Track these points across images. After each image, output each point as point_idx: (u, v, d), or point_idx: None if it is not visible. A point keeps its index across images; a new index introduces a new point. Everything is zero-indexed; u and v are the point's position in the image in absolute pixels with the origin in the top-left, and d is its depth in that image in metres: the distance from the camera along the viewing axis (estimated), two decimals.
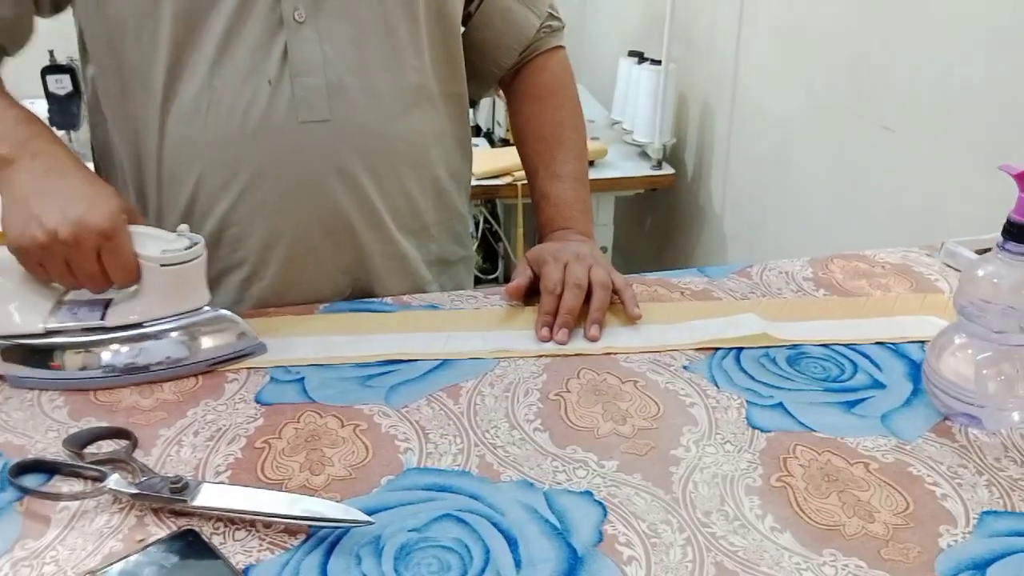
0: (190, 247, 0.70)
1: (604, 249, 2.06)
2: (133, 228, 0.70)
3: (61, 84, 1.81)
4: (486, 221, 2.23)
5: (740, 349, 0.78)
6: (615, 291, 0.84)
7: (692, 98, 2.09)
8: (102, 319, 0.71)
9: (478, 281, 2.17)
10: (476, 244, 2.20)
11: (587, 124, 2.19)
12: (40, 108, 2.03)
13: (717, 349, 0.78)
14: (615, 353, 0.77)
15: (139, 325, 0.71)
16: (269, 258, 0.86)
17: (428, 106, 0.91)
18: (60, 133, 1.93)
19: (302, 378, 0.72)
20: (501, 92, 1.11)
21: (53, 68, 1.82)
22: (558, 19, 1.05)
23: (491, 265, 2.39)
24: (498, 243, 2.35)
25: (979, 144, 1.19)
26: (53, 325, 0.70)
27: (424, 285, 0.96)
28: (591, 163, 2.00)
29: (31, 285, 0.71)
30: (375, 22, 0.84)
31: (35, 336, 0.69)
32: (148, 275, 0.70)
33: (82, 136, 1.94)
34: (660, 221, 2.35)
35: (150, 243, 0.70)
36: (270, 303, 0.88)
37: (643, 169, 2.01)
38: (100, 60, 0.84)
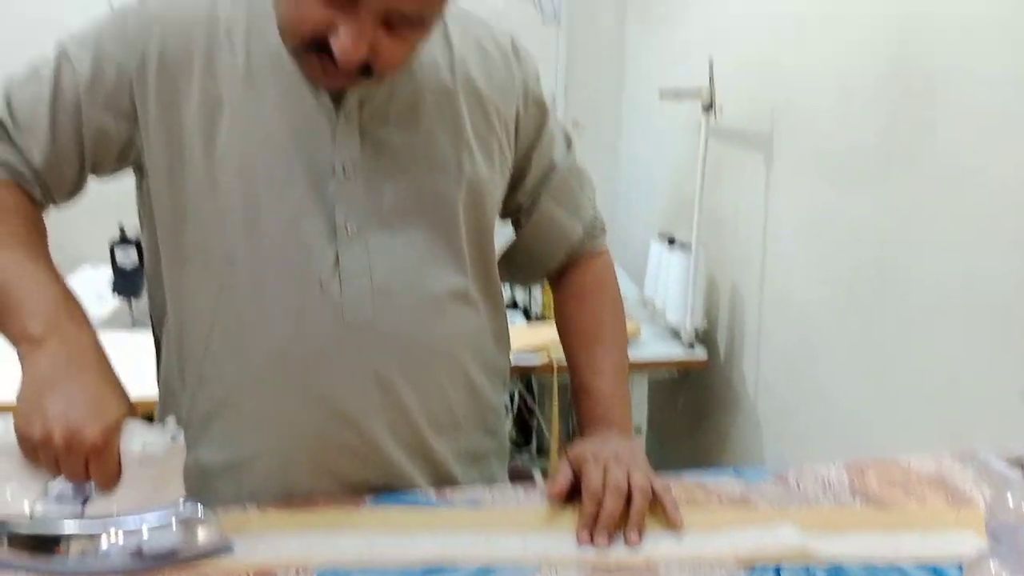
0: (171, 440, 0.74)
1: (638, 429, 2.08)
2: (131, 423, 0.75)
3: (128, 257, 1.93)
4: (521, 397, 2.26)
5: (780, 566, 0.78)
6: (655, 495, 0.86)
7: (722, 281, 2.16)
8: (82, 508, 0.74)
9: (512, 452, 2.17)
10: (511, 418, 2.22)
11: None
12: (105, 275, 2.16)
13: (755, 566, 0.78)
14: (654, 562, 0.78)
15: (114, 516, 0.74)
16: (296, 447, 0.90)
17: (467, 307, 0.97)
18: (120, 301, 2.04)
19: None
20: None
21: (122, 241, 1.95)
22: (601, 225, 1.13)
23: (524, 439, 2.40)
24: (532, 418, 2.37)
25: (1007, 343, 1.22)
26: (39, 509, 0.74)
27: (452, 480, 0.98)
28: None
29: (27, 466, 0.75)
30: (419, 235, 0.92)
31: (22, 520, 0.73)
32: (128, 469, 0.74)
33: (143, 305, 2.04)
34: (694, 403, 2.37)
35: (135, 438, 0.74)
36: (295, 491, 0.90)
37: (676, 350, 2.05)
38: (164, 231, 0.90)
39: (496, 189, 0.99)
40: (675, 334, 2.09)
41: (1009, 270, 1.21)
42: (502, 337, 1.07)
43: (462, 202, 0.94)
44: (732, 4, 2.11)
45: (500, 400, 1.09)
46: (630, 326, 2.02)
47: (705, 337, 2.20)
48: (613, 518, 0.82)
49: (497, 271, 1.04)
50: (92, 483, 0.75)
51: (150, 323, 1.00)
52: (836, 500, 0.91)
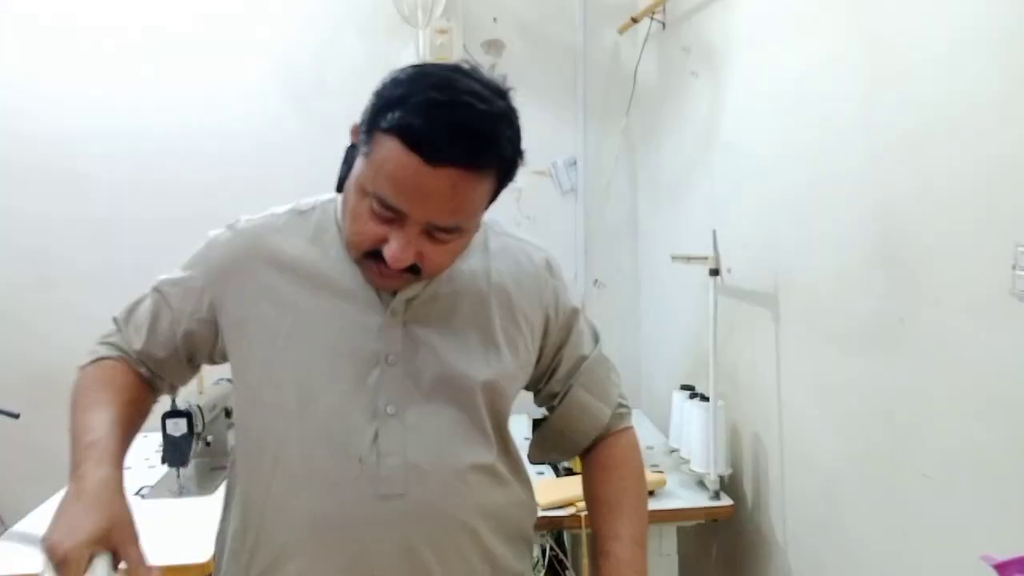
0: None
1: None
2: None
3: (178, 427, 2.07)
4: (552, 549, 2.30)
5: None
6: None
7: (744, 431, 2.23)
8: None
9: None
10: (543, 572, 2.26)
11: (646, 451, 2.35)
12: (155, 442, 2.30)
13: None
14: None
15: None
16: None
17: (491, 480, 1.10)
18: (168, 469, 2.17)
19: None
20: None
21: (173, 413, 2.09)
22: (626, 406, 1.26)
23: None
24: (564, 570, 2.39)
25: (1012, 501, 1.28)
26: None
27: None
28: (651, 493, 2.11)
29: None
30: (451, 416, 1.06)
31: None
32: None
33: (190, 471, 2.17)
34: (725, 551, 2.38)
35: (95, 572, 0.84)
36: None
37: (702, 499, 2.10)
38: (240, 421, 1.10)
39: (517, 380, 1.14)
40: (701, 483, 2.14)
41: (1004, 436, 1.29)
42: (526, 507, 1.18)
43: (483, 390, 1.08)
44: (723, 183, 2.31)
45: (524, 566, 1.18)
46: (657, 477, 2.10)
47: (731, 485, 2.25)
48: None
49: (516, 448, 1.17)
50: None
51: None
52: None
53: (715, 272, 2.07)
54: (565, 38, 3.02)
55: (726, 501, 2.10)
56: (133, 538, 0.88)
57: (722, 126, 2.33)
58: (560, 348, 1.19)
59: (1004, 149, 1.26)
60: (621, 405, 1.25)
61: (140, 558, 0.87)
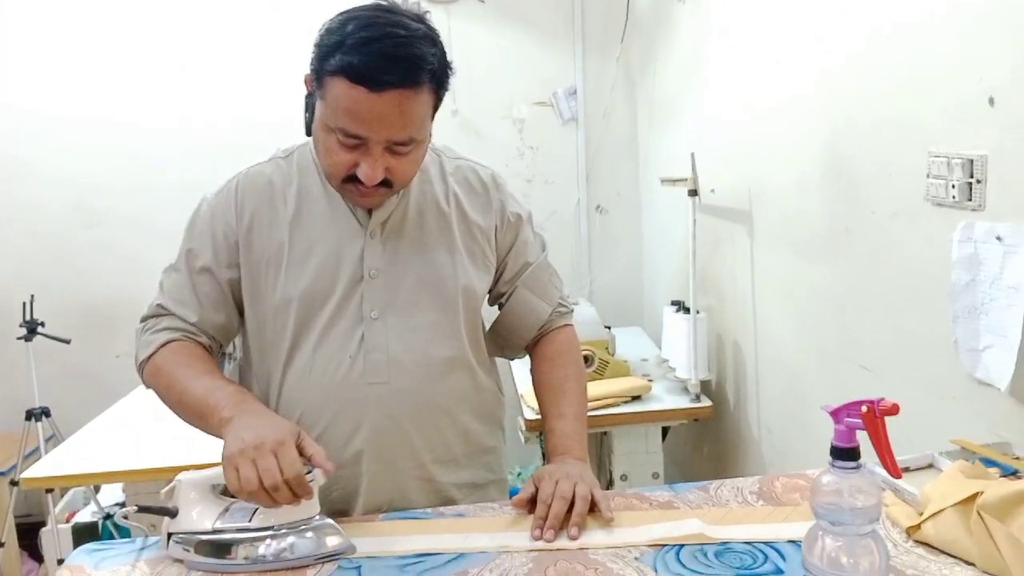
0: (310, 472, 1.04)
1: (656, 475, 2.31)
2: None
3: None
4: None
5: (682, 545, 1.04)
6: (595, 501, 1.13)
7: (726, 340, 2.41)
8: (249, 522, 1.04)
9: None
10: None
11: (640, 363, 2.53)
12: None
13: (664, 545, 1.04)
14: (586, 548, 1.05)
15: (272, 528, 1.03)
16: (336, 475, 1.19)
17: (463, 370, 1.30)
18: None
19: (359, 567, 1.03)
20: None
21: None
22: (565, 306, 1.44)
23: None
24: None
25: (933, 389, 1.44)
26: (218, 525, 1.05)
27: (453, 504, 1.28)
28: (638, 397, 2.31)
29: (209, 498, 1.07)
30: (425, 317, 1.26)
31: (205, 532, 1.04)
32: None
33: None
34: (714, 448, 2.59)
35: None
36: (336, 508, 1.22)
37: (684, 401, 2.29)
38: (251, 336, 1.28)
39: (481, 283, 1.33)
40: (685, 388, 2.33)
41: (923, 326, 1.45)
42: (495, 392, 1.39)
43: (459, 292, 1.28)
44: (708, 107, 2.43)
45: (495, 442, 1.39)
46: (642, 383, 2.30)
47: (717, 389, 2.44)
48: (558, 518, 1.09)
49: (485, 344, 1.37)
50: (253, 508, 1.05)
51: None
52: (743, 502, 1.16)
53: (693, 192, 2.21)
54: None
55: (706, 403, 2.29)
56: (308, 439, 1.09)
57: (704, 52, 2.44)
58: (507, 253, 1.37)
59: (917, 67, 1.39)
60: (561, 305, 1.43)
61: (320, 452, 1.05)
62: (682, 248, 2.77)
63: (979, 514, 0.94)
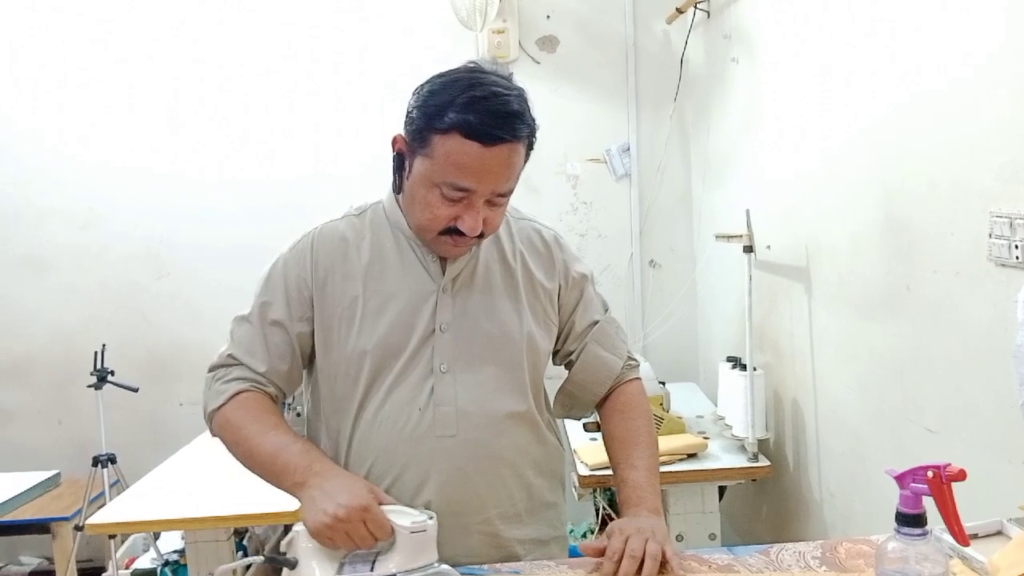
0: (427, 520, 1.07)
1: (712, 536, 2.27)
2: (387, 508, 1.09)
3: None
4: (604, 509, 2.50)
5: None
6: (665, 560, 1.12)
7: (785, 398, 2.37)
8: (371, 571, 1.06)
9: None
10: (597, 527, 2.46)
11: (696, 419, 2.51)
12: None
13: None
14: None
15: (394, 575, 1.05)
16: None
17: (528, 425, 1.32)
18: None
19: None
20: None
21: None
22: (634, 359, 1.46)
23: None
24: None
25: (997, 440, 1.41)
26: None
27: (516, 559, 1.28)
28: (694, 455, 2.28)
29: (324, 551, 1.10)
30: (493, 372, 1.28)
31: None
32: (400, 539, 1.07)
33: None
34: (773, 510, 2.53)
35: (401, 517, 1.08)
36: None
37: (741, 460, 2.26)
38: (322, 387, 1.31)
39: (544, 341, 1.35)
40: (742, 447, 2.30)
41: (987, 388, 1.42)
42: (557, 447, 1.40)
43: (525, 347, 1.31)
44: (763, 164, 2.44)
45: (556, 497, 1.40)
46: (698, 441, 2.28)
47: (775, 448, 2.40)
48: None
49: (547, 400, 1.39)
50: (376, 554, 1.08)
51: None
52: (806, 568, 1.14)
53: (748, 249, 2.21)
54: (616, 30, 3.19)
55: (764, 462, 2.25)
56: (383, 494, 1.16)
57: (758, 110, 2.46)
58: (573, 311, 1.39)
59: (973, 126, 1.39)
60: (630, 358, 1.44)
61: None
62: (737, 304, 2.76)
63: None
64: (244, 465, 1.25)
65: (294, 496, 1.16)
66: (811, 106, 2.07)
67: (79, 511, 2.84)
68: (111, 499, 2.71)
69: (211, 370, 1.31)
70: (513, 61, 3.11)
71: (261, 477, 1.22)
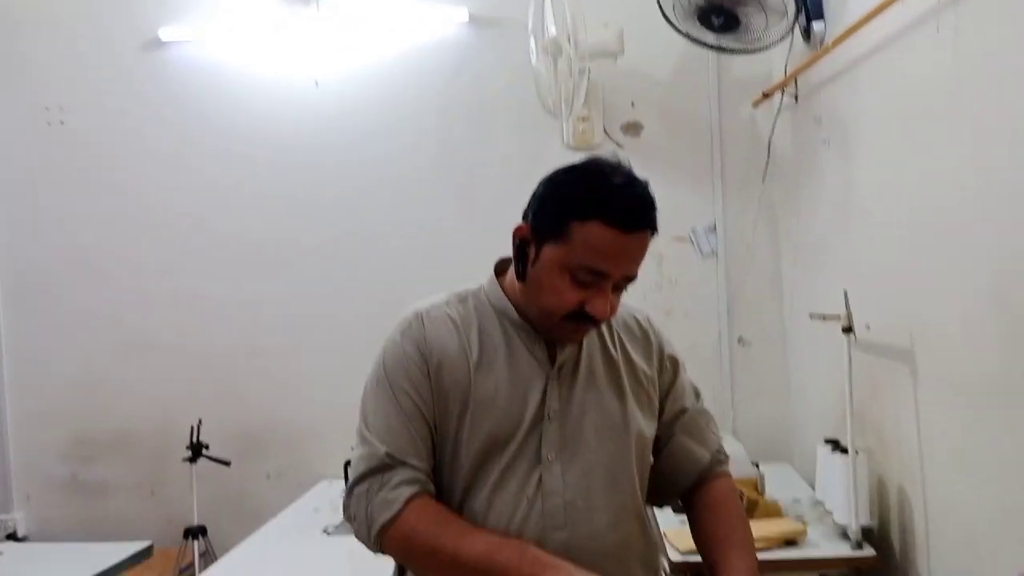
0: None
1: None
2: None
3: None
4: None
5: None
6: None
7: (890, 484, 2.27)
8: None
9: None
10: None
11: (792, 503, 2.43)
12: (339, 487, 2.62)
13: None
14: None
15: None
16: None
17: (635, 518, 1.30)
18: None
19: None
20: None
21: None
22: (724, 453, 1.43)
23: None
24: None
25: None
26: None
27: None
28: (793, 542, 2.20)
29: None
30: (601, 462, 1.27)
31: None
32: None
33: None
34: None
35: None
36: None
37: (844, 549, 2.16)
38: (441, 471, 1.26)
39: (649, 429, 1.34)
40: (844, 534, 2.20)
41: None
42: (657, 540, 1.39)
43: (632, 437, 1.29)
44: (859, 243, 2.41)
45: None
46: (796, 527, 2.20)
47: (879, 536, 2.29)
48: None
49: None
50: None
51: None
52: None
53: (848, 330, 2.17)
54: (700, 113, 3.24)
55: (868, 552, 2.14)
56: None
57: (853, 191, 2.44)
58: (666, 396, 1.37)
59: None
60: (720, 451, 1.41)
61: None
62: (834, 385, 2.68)
63: None
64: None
65: None
66: (910, 180, 2.05)
67: None
68: (200, 570, 2.74)
69: (363, 478, 1.19)
70: (598, 147, 3.18)
71: None
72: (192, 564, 2.89)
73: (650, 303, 3.17)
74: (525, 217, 1.25)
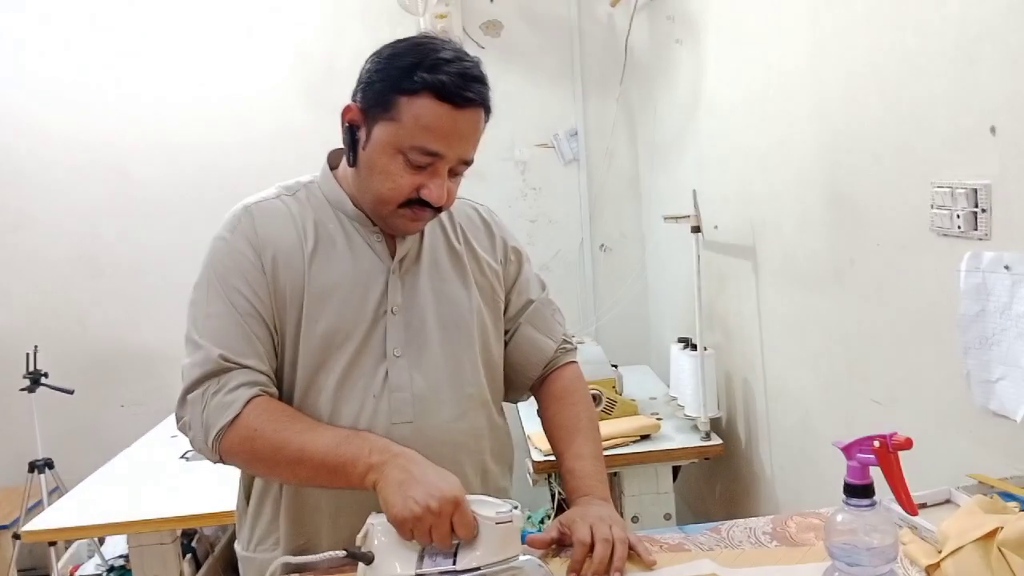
0: (512, 510, 1.00)
1: (667, 517, 2.27)
2: (470, 497, 1.01)
3: None
4: (560, 494, 2.48)
5: None
6: (630, 545, 1.10)
7: (735, 377, 2.38)
8: (454, 564, 0.99)
9: None
10: (553, 512, 2.44)
11: (649, 401, 2.51)
12: None
13: None
14: None
15: (478, 568, 0.98)
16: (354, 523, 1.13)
17: (481, 409, 1.28)
18: None
19: None
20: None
21: None
22: (570, 342, 1.42)
23: None
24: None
25: (944, 409, 1.42)
26: (421, 570, 0.99)
27: None
28: (648, 436, 2.28)
29: (401, 543, 1.01)
30: (446, 355, 1.24)
31: None
32: (485, 531, 1.00)
33: None
34: (726, 488, 2.54)
35: (484, 507, 1.01)
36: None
37: (694, 440, 2.26)
38: (283, 370, 1.20)
39: (494, 321, 1.31)
40: (694, 427, 2.30)
41: (931, 358, 1.43)
42: (507, 432, 1.37)
43: (476, 329, 1.26)
44: (708, 144, 2.44)
45: (507, 483, 1.37)
46: (651, 422, 2.27)
47: (727, 427, 2.40)
48: (603, 562, 1.06)
49: (500, 386, 1.35)
50: (457, 545, 1.00)
51: None
52: (756, 543, 1.13)
53: (696, 229, 2.21)
54: (560, 14, 3.16)
55: (716, 441, 2.25)
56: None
57: (703, 90, 2.45)
58: (510, 289, 1.35)
59: (916, 97, 1.40)
60: (566, 341, 1.41)
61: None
62: (687, 285, 2.76)
63: (1000, 550, 0.91)
64: (285, 475, 1.15)
65: (366, 486, 1.06)
66: (754, 82, 2.07)
67: (17, 519, 2.74)
68: (49, 506, 2.61)
69: (199, 382, 1.13)
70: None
71: (311, 481, 1.13)
72: (40, 501, 2.74)
73: (515, 211, 3.15)
74: (354, 97, 1.17)
